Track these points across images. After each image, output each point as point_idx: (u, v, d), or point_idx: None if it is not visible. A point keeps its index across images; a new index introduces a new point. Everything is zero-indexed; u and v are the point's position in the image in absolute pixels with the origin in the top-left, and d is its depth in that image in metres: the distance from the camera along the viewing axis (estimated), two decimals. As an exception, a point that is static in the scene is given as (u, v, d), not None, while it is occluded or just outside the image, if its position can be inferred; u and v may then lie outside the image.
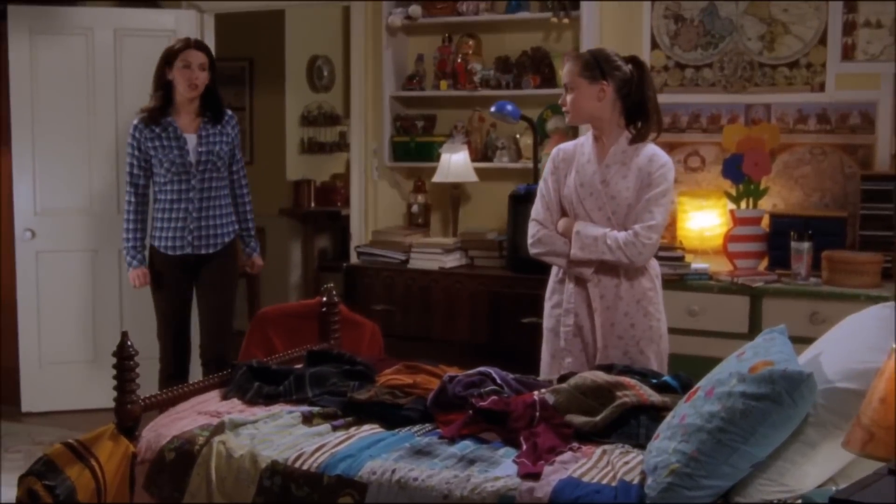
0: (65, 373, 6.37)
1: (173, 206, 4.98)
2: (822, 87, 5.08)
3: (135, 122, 5.02)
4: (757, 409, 2.45)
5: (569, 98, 3.86)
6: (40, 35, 6.24)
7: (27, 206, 6.30)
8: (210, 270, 5.12)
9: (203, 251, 5.06)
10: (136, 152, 5.00)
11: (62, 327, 6.38)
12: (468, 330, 5.30)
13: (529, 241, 3.96)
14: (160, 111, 4.97)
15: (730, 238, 5.03)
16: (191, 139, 4.98)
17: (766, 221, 5.04)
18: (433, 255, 5.46)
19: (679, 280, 4.76)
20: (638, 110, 3.85)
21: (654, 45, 5.38)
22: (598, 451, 2.92)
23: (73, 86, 6.31)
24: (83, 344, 6.35)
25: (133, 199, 5.06)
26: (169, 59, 4.94)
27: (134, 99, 6.28)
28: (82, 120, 6.33)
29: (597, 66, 3.81)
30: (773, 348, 2.64)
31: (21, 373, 6.38)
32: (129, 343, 3.27)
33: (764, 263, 5.02)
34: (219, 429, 3.14)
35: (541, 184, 4.02)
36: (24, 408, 6.38)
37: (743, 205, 5.07)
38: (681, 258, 4.87)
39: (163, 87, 4.98)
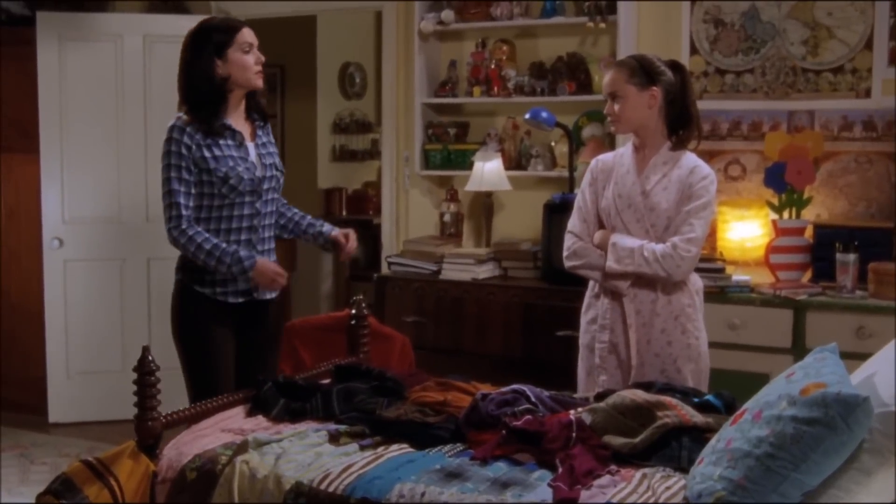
0: (92, 383, 6.34)
1: (231, 238, 3.76)
2: (867, 93, 4.93)
3: (177, 123, 3.72)
4: (809, 435, 2.31)
5: (616, 107, 3.72)
6: (69, 42, 6.22)
7: (55, 214, 6.28)
8: (265, 322, 3.94)
9: (263, 296, 3.87)
10: (187, 163, 3.69)
11: (90, 337, 6.35)
12: (501, 343, 5.19)
13: (565, 253, 3.85)
14: (215, 115, 3.73)
15: (772, 249, 4.91)
16: (250, 149, 3.83)
17: (809, 232, 4.92)
18: (466, 265, 5.36)
19: (720, 292, 4.64)
20: (680, 117, 3.73)
21: (694, 50, 5.25)
22: (638, 474, 2.78)
23: (102, 93, 6.28)
24: (111, 354, 6.30)
25: (194, 230, 3.70)
26: (220, 48, 3.69)
27: (163, 106, 6.23)
28: (111, 127, 6.30)
29: (644, 71, 3.70)
30: (825, 369, 2.50)
31: (48, 383, 6.36)
32: (150, 358, 3.16)
33: (807, 275, 4.90)
34: (242, 447, 3.03)
35: (578, 195, 3.90)
36: (52, 418, 6.35)
37: (786, 215, 4.95)
38: (721, 270, 4.75)
39: (215, 86, 3.71)
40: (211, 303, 3.77)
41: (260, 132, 3.89)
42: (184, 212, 3.70)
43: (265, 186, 3.82)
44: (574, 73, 5.51)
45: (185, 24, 6.29)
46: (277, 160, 3.93)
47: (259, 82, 3.79)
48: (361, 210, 8.93)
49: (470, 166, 5.62)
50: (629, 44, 5.22)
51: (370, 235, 8.40)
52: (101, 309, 6.34)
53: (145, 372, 3.15)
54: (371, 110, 9.25)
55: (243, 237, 3.79)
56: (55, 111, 6.22)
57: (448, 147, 5.83)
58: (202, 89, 3.70)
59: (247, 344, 3.88)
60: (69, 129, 6.24)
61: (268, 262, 3.74)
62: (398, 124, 6.12)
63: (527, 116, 5.26)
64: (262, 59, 3.78)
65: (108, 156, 6.30)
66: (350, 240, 4.04)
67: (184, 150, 3.68)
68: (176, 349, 3.89)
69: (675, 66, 3.77)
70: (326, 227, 4.08)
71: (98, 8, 6.53)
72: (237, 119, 3.81)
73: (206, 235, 3.69)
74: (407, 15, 5.96)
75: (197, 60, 3.71)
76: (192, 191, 3.72)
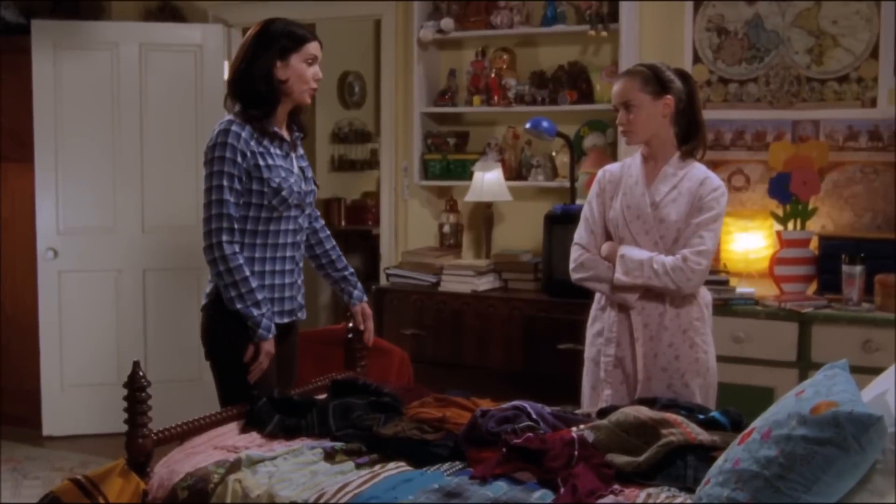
0: (87, 396, 6.27)
1: (278, 255, 3.60)
2: (873, 103, 4.87)
3: (233, 128, 3.49)
4: (820, 455, 2.23)
5: (630, 117, 3.65)
6: (64, 50, 6.17)
7: (50, 224, 6.22)
8: (294, 345, 3.86)
9: (302, 316, 3.79)
10: (240, 172, 3.47)
11: (84, 349, 6.29)
12: (502, 356, 5.12)
13: (571, 265, 3.78)
14: (269, 115, 3.58)
15: (776, 261, 4.84)
16: (294, 160, 3.68)
17: (814, 243, 4.86)
18: (465, 277, 5.29)
19: (723, 305, 4.58)
20: (689, 126, 3.67)
21: (697, 59, 5.19)
22: (643, 494, 2.71)
23: (98, 101, 6.23)
24: (106, 366, 6.22)
25: (235, 241, 3.48)
26: (285, 52, 3.55)
27: (160, 114, 6.20)
28: (107, 136, 6.25)
29: (657, 80, 3.63)
30: (836, 387, 2.41)
31: (42, 395, 6.30)
32: (140, 373, 3.08)
33: (812, 288, 4.84)
34: (235, 465, 2.95)
35: (585, 206, 3.83)
36: (46, 431, 6.30)
37: (790, 226, 4.89)
38: (725, 282, 4.69)
39: (272, 87, 3.56)
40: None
41: (298, 145, 3.76)
42: (235, 225, 3.46)
43: (308, 200, 3.69)
44: (575, 82, 5.45)
45: (181, 32, 6.33)
46: (313, 174, 3.80)
47: (307, 99, 3.65)
48: (360, 220, 8.87)
49: (470, 176, 5.55)
50: (631, 52, 5.16)
51: (370, 246, 8.35)
52: (96, 321, 6.27)
53: (136, 388, 3.07)
54: (370, 120, 9.19)
55: (288, 253, 3.64)
56: (50, 120, 6.16)
57: (447, 157, 5.76)
58: (260, 88, 3.53)
59: (278, 363, 3.70)
60: (64, 138, 6.18)
61: (272, 347, 3.53)
62: (397, 134, 6.06)
63: (527, 126, 5.19)
64: (320, 76, 3.64)
65: (103, 165, 6.24)
66: (365, 321, 3.96)
67: (239, 158, 3.46)
68: (213, 373, 3.69)
69: (681, 74, 3.71)
70: (356, 292, 3.96)
71: (94, 16, 6.49)
72: (282, 129, 3.66)
73: (250, 272, 3.49)
74: (406, 23, 5.90)
75: (259, 59, 3.54)
76: (241, 201, 3.50)
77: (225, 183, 3.45)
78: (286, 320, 3.67)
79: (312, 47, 3.61)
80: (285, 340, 3.74)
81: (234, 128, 3.48)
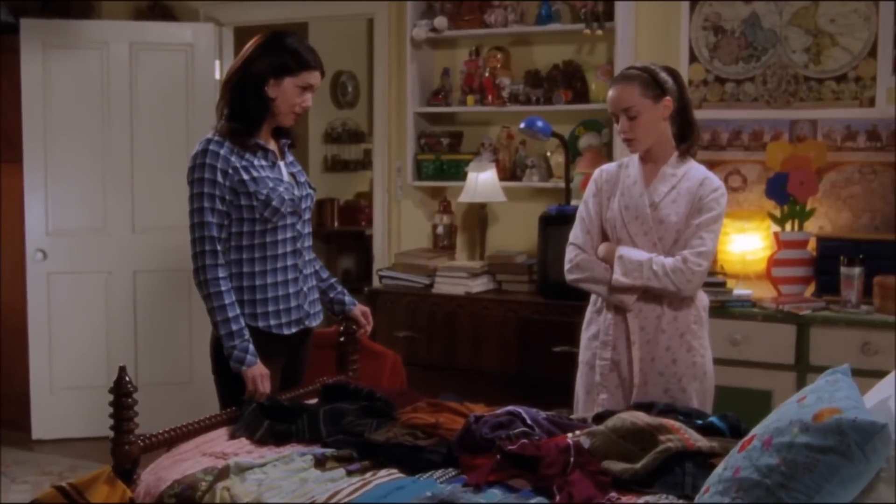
0: (77, 399, 6.20)
1: (278, 265, 3.55)
2: (871, 102, 4.83)
3: (211, 147, 3.44)
4: (823, 464, 2.17)
5: (633, 124, 3.56)
6: (54, 49, 6.11)
7: (39, 225, 6.16)
8: (304, 353, 3.83)
9: (313, 322, 3.77)
10: (222, 192, 3.43)
11: (74, 352, 6.23)
12: (496, 359, 5.07)
13: (567, 266, 3.71)
14: (248, 132, 3.52)
15: (774, 262, 4.80)
16: (282, 168, 3.63)
17: (812, 245, 4.82)
18: (459, 279, 5.24)
19: (720, 307, 4.53)
20: (682, 124, 3.62)
21: (693, 58, 5.14)
22: (640, 502, 2.66)
23: (87, 101, 6.17)
24: (96, 369, 6.16)
25: (220, 263, 3.43)
26: (282, 69, 3.50)
27: (150, 114, 6.14)
28: (97, 136, 6.19)
29: (654, 82, 3.56)
30: (839, 393, 2.36)
31: (31, 399, 6.24)
32: (126, 378, 3.02)
33: (810, 289, 4.80)
34: (223, 473, 2.89)
35: (581, 206, 3.77)
36: (35, 435, 6.24)
37: (788, 227, 4.84)
38: (722, 284, 4.64)
39: (260, 102, 3.52)
40: (264, 337, 3.52)
41: (287, 151, 3.70)
42: (219, 247, 3.43)
43: (303, 206, 3.63)
44: (570, 81, 5.40)
45: (171, 31, 6.27)
46: (307, 178, 3.74)
47: (289, 122, 3.60)
48: (353, 221, 8.84)
49: (464, 177, 5.50)
50: (627, 52, 5.11)
51: (363, 247, 8.30)
52: (85, 323, 6.21)
53: (122, 393, 3.01)
54: (363, 120, 9.16)
55: (289, 262, 3.58)
56: (39, 120, 6.10)
57: (441, 157, 5.72)
58: (249, 101, 3.50)
59: (285, 373, 3.70)
60: (54, 138, 6.13)
61: (263, 372, 3.44)
62: (390, 134, 6.01)
63: (522, 126, 5.14)
64: (308, 104, 3.60)
65: (93, 165, 6.18)
66: (369, 321, 4.00)
67: (219, 177, 3.41)
68: (216, 388, 3.64)
69: (669, 71, 3.65)
70: (348, 297, 3.96)
71: (83, 15, 6.43)
72: (267, 140, 3.60)
73: (234, 299, 3.44)
74: (399, 22, 5.85)
75: (258, 63, 3.51)
76: (225, 222, 3.45)
77: (206, 205, 3.42)
78: (294, 330, 3.62)
79: (312, 77, 3.57)
80: (296, 351, 3.73)
81: (211, 147, 3.44)
